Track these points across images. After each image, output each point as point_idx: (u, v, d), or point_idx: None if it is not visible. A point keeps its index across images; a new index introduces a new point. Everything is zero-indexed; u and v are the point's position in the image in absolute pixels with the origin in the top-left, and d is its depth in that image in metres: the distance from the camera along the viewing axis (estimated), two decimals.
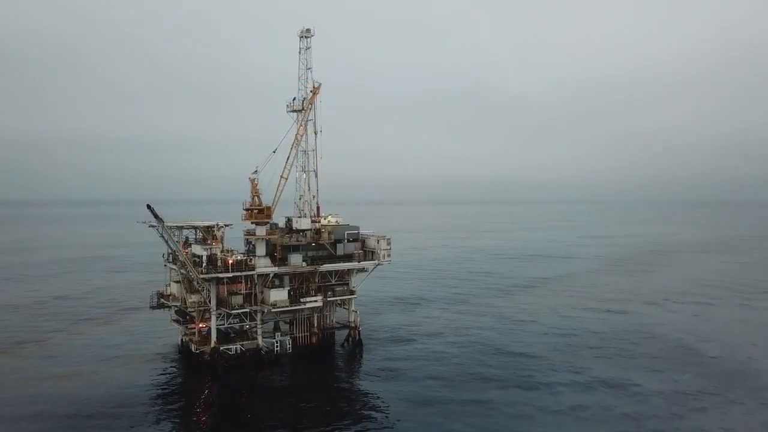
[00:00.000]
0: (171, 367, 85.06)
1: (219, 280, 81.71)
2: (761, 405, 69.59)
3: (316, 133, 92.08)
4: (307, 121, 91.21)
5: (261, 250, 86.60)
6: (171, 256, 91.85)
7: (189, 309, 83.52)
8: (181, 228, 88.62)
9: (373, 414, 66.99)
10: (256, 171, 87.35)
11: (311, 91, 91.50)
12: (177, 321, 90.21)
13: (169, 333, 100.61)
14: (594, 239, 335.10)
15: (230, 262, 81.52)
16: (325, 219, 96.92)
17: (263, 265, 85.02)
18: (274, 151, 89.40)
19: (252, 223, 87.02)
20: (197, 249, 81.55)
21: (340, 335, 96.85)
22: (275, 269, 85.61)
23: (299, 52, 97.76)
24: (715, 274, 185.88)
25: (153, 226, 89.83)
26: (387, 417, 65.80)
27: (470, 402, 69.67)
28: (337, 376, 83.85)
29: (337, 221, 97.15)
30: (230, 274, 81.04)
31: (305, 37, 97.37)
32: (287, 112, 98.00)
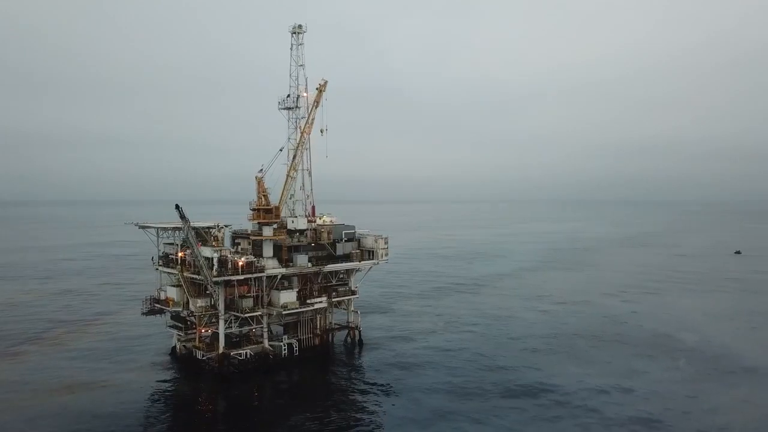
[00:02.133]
0: (172, 376, 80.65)
1: (228, 283, 78.64)
2: (757, 384, 76.41)
3: (322, 132, 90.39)
4: (312, 119, 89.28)
5: (268, 251, 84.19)
6: (163, 259, 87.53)
7: (196, 314, 79.50)
8: (179, 229, 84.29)
9: (391, 423, 64.58)
10: (261, 169, 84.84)
11: (317, 89, 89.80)
12: (175, 327, 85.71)
13: (155, 339, 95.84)
14: (523, 236, 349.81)
15: (241, 264, 78.57)
16: (320, 219, 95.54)
17: (272, 267, 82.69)
18: (281, 150, 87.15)
19: (258, 223, 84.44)
20: (207, 251, 77.79)
21: (339, 336, 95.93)
22: (284, 270, 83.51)
23: (290, 49, 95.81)
24: (644, 266, 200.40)
25: (143, 227, 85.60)
26: (406, 425, 63.62)
27: (487, 409, 67.67)
28: (346, 379, 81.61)
29: (331, 221, 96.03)
30: (242, 276, 78.13)
31: (297, 33, 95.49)
32: (279, 109, 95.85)
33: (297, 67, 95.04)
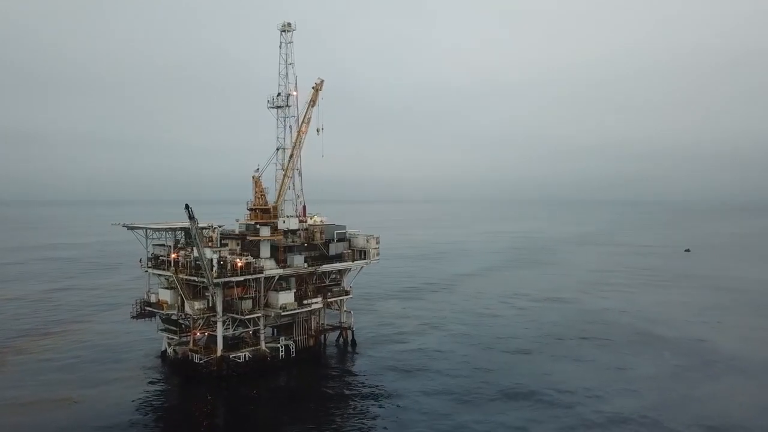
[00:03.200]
0: (168, 381, 78.33)
1: (226, 285, 77.15)
2: (741, 375, 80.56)
3: (318, 131, 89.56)
4: (308, 118, 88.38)
5: (266, 251, 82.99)
6: (152, 261, 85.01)
7: (194, 316, 77.50)
8: (172, 230, 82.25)
9: (399, 427, 63.46)
10: (258, 169, 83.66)
11: (313, 87, 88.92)
12: (167, 331, 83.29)
13: (140, 344, 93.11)
14: (481, 235, 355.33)
15: (239, 264, 77.19)
16: (311, 219, 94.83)
17: (269, 267, 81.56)
18: (278, 149, 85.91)
19: (256, 224, 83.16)
20: (207, 252, 75.74)
21: (330, 337, 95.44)
22: (281, 271, 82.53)
23: (279, 47, 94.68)
24: (604, 263, 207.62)
25: (132, 228, 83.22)
26: (415, 428, 62.85)
27: (492, 410, 67.17)
28: (347, 383, 79.53)
29: (322, 221, 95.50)
30: (242, 278, 76.82)
31: (286, 31, 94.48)
32: (268, 108, 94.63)
33: (286, 66, 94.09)
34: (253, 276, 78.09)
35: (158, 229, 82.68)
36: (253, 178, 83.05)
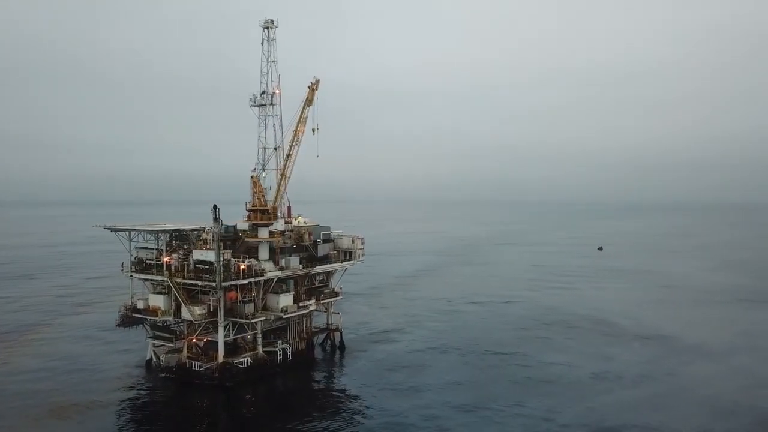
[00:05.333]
0: (162, 391, 74.56)
1: (227, 288, 74.44)
2: (710, 359, 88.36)
3: (313, 131, 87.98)
4: (304, 117, 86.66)
5: (264, 253, 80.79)
6: (137, 265, 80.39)
7: (195, 322, 73.85)
8: (165, 232, 78.16)
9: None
10: (255, 169, 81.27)
11: (309, 87, 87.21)
12: (159, 338, 78.86)
13: (115, 353, 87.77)
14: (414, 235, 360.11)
15: (242, 267, 74.78)
16: (295, 219, 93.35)
17: (269, 270, 79.53)
18: (275, 148, 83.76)
19: (254, 224, 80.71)
20: (210, 255, 72.67)
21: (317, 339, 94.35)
22: (280, 273, 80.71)
23: (261, 44, 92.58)
24: (538, 261, 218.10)
25: (116, 230, 78.94)
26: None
27: (506, 407, 68.77)
28: (349, 386, 77.64)
29: (305, 222, 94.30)
30: (246, 280, 74.48)
31: (268, 28, 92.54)
32: (250, 106, 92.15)
33: (269, 63, 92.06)
34: (258, 278, 75.92)
35: (149, 231, 78.37)
36: (252, 178, 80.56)
